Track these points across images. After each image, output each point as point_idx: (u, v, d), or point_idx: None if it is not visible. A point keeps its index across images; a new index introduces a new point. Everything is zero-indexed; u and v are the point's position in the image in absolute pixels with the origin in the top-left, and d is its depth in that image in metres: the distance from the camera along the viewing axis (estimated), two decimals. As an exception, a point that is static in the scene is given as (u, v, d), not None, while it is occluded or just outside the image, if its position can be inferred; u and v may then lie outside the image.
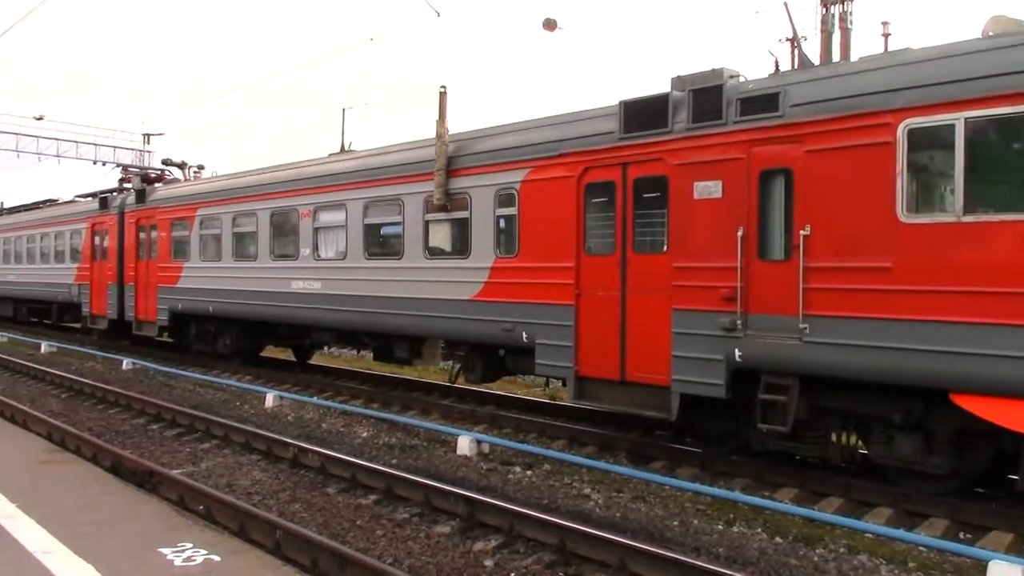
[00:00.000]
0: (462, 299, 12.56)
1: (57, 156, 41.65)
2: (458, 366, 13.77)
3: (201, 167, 24.37)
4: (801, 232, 8.58)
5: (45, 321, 30.22)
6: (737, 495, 8.66)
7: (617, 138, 10.49)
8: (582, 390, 10.76)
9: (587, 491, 9.08)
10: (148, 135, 43.30)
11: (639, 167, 10.24)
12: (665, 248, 9.96)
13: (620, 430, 11.95)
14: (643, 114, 10.21)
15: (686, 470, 10.12)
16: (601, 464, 9.96)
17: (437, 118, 13.03)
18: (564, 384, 11.49)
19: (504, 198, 12.03)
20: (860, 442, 9.23)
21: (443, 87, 13.11)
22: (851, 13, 15.27)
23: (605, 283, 10.52)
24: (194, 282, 19.32)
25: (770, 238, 9.01)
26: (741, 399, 9.43)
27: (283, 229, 16.79)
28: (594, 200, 10.85)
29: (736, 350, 9.13)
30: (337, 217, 15.18)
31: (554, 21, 17.29)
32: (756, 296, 9.02)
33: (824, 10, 15.75)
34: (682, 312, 9.63)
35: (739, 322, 9.08)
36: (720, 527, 7.89)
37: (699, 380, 9.44)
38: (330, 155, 16.93)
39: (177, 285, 19.93)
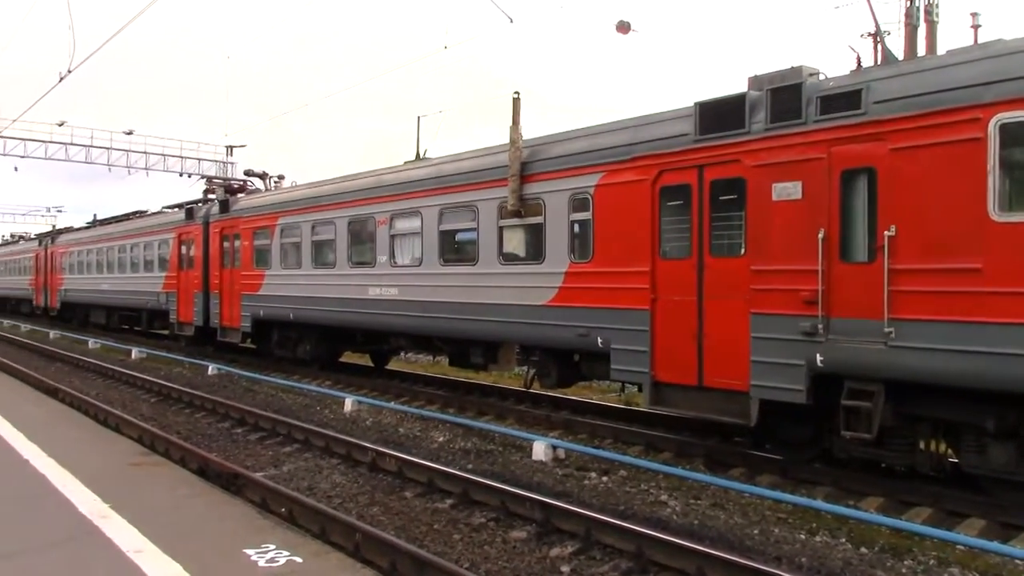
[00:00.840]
0: (537, 304, 12.59)
1: (146, 169, 43.39)
2: (533, 371, 13.81)
3: (281, 177, 24.98)
4: (886, 233, 8.36)
5: (136, 328, 31.37)
6: (820, 504, 8.45)
7: (692, 140, 10.37)
8: (658, 395, 10.67)
9: (664, 498, 8.99)
10: (231, 147, 44.74)
11: (716, 169, 10.11)
12: (743, 251, 9.81)
13: (697, 436, 11.80)
14: (719, 115, 10.08)
15: (766, 477, 9.93)
16: (678, 470, 9.84)
17: (511, 124, 13.09)
18: (640, 389, 11.43)
19: (578, 203, 12.01)
20: (950, 450, 8.92)
21: (517, 93, 13.19)
22: (937, 5, 14.75)
23: (681, 287, 10.42)
24: (275, 289, 19.80)
25: (853, 240, 8.79)
26: (823, 405, 9.21)
27: (360, 237, 17.07)
28: (669, 203, 10.76)
29: (817, 355, 8.93)
30: (412, 224, 15.38)
31: (628, 24, 17.18)
32: (838, 299, 8.81)
33: (908, 3, 15.28)
34: (761, 316, 9.47)
35: (820, 326, 8.88)
36: (802, 536, 7.72)
37: (779, 385, 9.26)
38: (405, 163, 17.18)
39: (259, 292, 20.45)
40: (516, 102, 13.14)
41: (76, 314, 36.67)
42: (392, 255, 15.94)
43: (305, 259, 18.73)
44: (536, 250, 12.85)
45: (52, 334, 32.85)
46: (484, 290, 13.63)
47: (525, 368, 14.82)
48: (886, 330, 8.35)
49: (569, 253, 12.15)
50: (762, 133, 9.61)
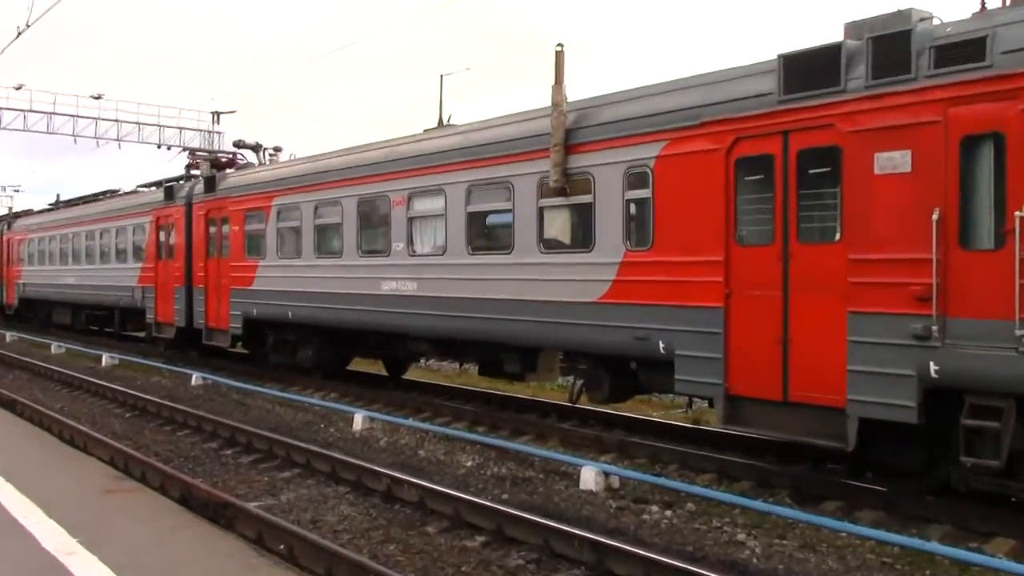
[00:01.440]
0: (585, 301, 12.60)
1: (118, 140, 44.05)
2: (580, 382, 13.81)
3: (278, 149, 25.17)
4: (1016, 214, 8.20)
5: (106, 330, 31.88)
6: (935, 546, 8.33)
7: (776, 101, 10.29)
8: (734, 412, 10.63)
9: (741, 537, 8.93)
10: (218, 113, 45.29)
11: (804, 136, 10.02)
12: (838, 236, 9.72)
13: (781, 462, 11.70)
14: (809, 70, 9.98)
15: (867, 514, 9.82)
16: (758, 504, 9.76)
17: (553, 83, 13.06)
18: (711, 405, 11.38)
19: (635, 178, 12.00)
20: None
21: (560, 46, 13.14)
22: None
23: (762, 280, 10.36)
24: (271, 283, 20.01)
25: (976, 221, 8.65)
26: (938, 425, 9.10)
27: (372, 220, 17.17)
28: (747, 178, 10.70)
29: (931, 363, 8.81)
30: (435, 205, 15.45)
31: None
32: (957, 295, 8.68)
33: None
34: (860, 316, 9.35)
35: (935, 328, 8.75)
36: (913, 586, 7.61)
37: (883, 401, 9.14)
38: (426, 131, 17.26)
39: (252, 287, 20.69)
40: (559, 56, 13.10)
41: (37, 313, 37.32)
42: (410, 242, 16.00)
43: (306, 247, 18.87)
44: (584, 236, 12.86)
45: (8, 336, 33.48)
46: (521, 284, 13.65)
47: (570, 379, 14.82)
48: (1018, 333, 8.19)
49: (624, 239, 12.14)
50: (861, 92, 9.49)
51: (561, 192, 12.97)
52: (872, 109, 9.37)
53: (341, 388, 19.05)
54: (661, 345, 11.48)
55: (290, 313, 19.31)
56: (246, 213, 21.08)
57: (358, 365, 21.91)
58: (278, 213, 19.84)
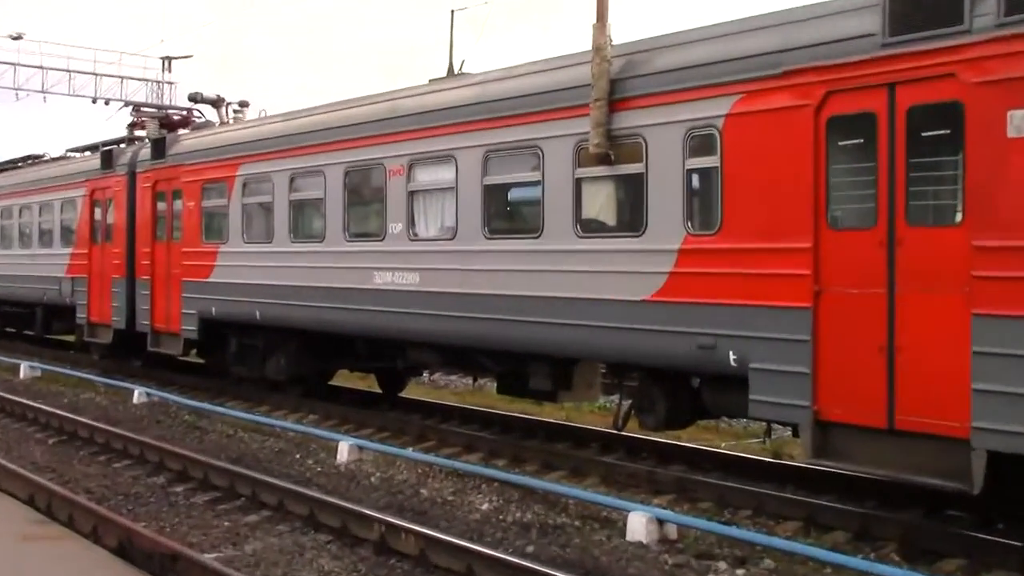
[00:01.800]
0: (634, 299, 12.58)
1: (42, 92, 44.23)
2: (628, 404, 13.77)
3: (244, 105, 25.25)
4: None
5: (26, 332, 32.07)
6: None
7: (879, 44, 10.24)
8: (825, 443, 10.59)
9: (834, 604, 8.87)
10: (169, 59, 45.46)
11: (916, 89, 9.95)
12: (959, 217, 9.67)
13: (886, 507, 11.64)
14: (923, 5, 9.91)
15: (999, 575, 9.72)
16: (857, 561, 9.69)
17: (595, 22, 13.02)
18: (795, 433, 11.35)
19: (698, 142, 11.97)
20: None
21: (602, -29, 13.09)
22: None
23: (861, 273, 10.33)
24: (234, 274, 20.08)
25: None
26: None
27: (363, 194, 17.19)
28: (842, 142, 10.65)
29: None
30: (443, 175, 15.47)
31: None
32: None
33: None
34: (989, 319, 9.29)
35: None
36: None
37: (1019, 430, 9.05)
38: (432, 82, 17.27)
39: (210, 279, 20.78)
40: (601, -13, 13.08)
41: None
42: (411, 223, 16.03)
43: (279, 229, 18.95)
44: (633, 216, 12.86)
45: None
46: (552, 277, 13.66)
47: (615, 399, 14.83)
48: None
49: (684, 220, 12.11)
50: (991, 31, 9.41)
51: (604, 160, 12.95)
52: (1005, 54, 9.27)
53: (322, 409, 19.09)
54: (731, 356, 11.46)
55: (258, 312, 19.38)
56: (204, 185, 21.17)
57: (344, 379, 21.90)
58: (244, 185, 19.92)
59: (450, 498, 12.63)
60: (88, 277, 25.73)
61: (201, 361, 23.66)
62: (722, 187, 11.64)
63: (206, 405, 19.25)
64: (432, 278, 15.54)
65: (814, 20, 11.02)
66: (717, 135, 11.69)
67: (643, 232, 12.57)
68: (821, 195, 10.69)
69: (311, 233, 18.24)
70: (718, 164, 11.69)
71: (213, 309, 20.65)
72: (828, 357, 10.57)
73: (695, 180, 12.14)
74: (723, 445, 15.99)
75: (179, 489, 13.32)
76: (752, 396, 11.21)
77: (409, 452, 15.03)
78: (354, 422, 18.10)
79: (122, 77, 45.15)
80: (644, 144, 12.54)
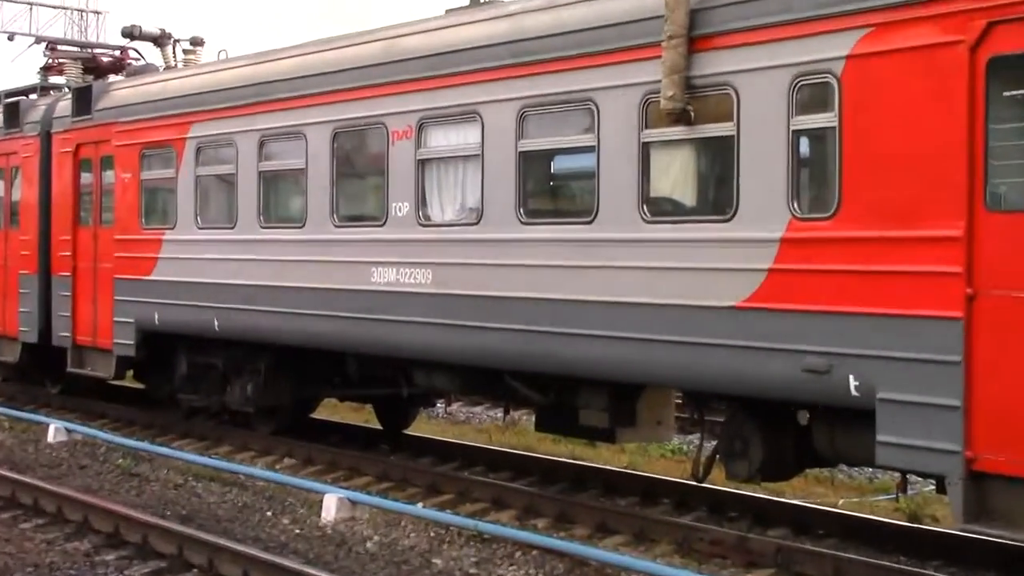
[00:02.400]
0: (720, 305, 12.48)
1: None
2: (711, 445, 13.79)
3: (197, 43, 25.16)
4: None
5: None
6: None
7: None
8: (983, 502, 10.45)
9: None
10: (98, -17, 45.42)
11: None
12: None
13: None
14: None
15: None
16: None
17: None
18: (940, 488, 11.30)
19: (809, 95, 11.89)
20: None
21: None
22: None
23: (1033, 273, 10.22)
24: (184, 271, 20.08)
25: None
26: None
27: (357, 164, 17.28)
28: (1008, 92, 10.51)
29: None
30: (464, 139, 15.49)
31: None
32: None
33: None
34: None
35: None
36: None
37: None
38: (449, 12, 17.26)
39: (152, 277, 20.79)
40: None
41: None
42: (421, 202, 16.02)
43: (245, 209, 18.95)
44: (719, 194, 12.89)
45: None
46: (610, 275, 13.61)
47: (694, 439, 14.77)
48: None
49: (789, 200, 11.98)
50: None
51: (681, 119, 12.82)
52: None
53: (303, 450, 19.11)
54: (852, 383, 11.33)
55: (217, 321, 19.36)
56: (144, 151, 21.22)
57: (331, 411, 21.97)
58: (198, 151, 19.95)
59: (472, 571, 12.57)
60: (-12, 273, 25.80)
61: (140, 386, 23.69)
62: (840, 154, 11.51)
63: (147, 445, 19.31)
64: (449, 276, 15.50)
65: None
66: (834, 84, 11.55)
67: (733, 216, 12.45)
68: (978, 164, 10.49)
69: (288, 216, 18.27)
70: (835, 123, 11.55)
71: (156, 317, 20.63)
72: (987, 385, 10.40)
73: (804, 145, 12.06)
74: (841, 503, 15.91)
75: (110, 558, 13.20)
76: (880, 437, 11.08)
77: (418, 508, 15.00)
78: (345, 468, 18.09)
79: (31, 3, 45.14)
80: (735, 97, 12.39)
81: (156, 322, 20.61)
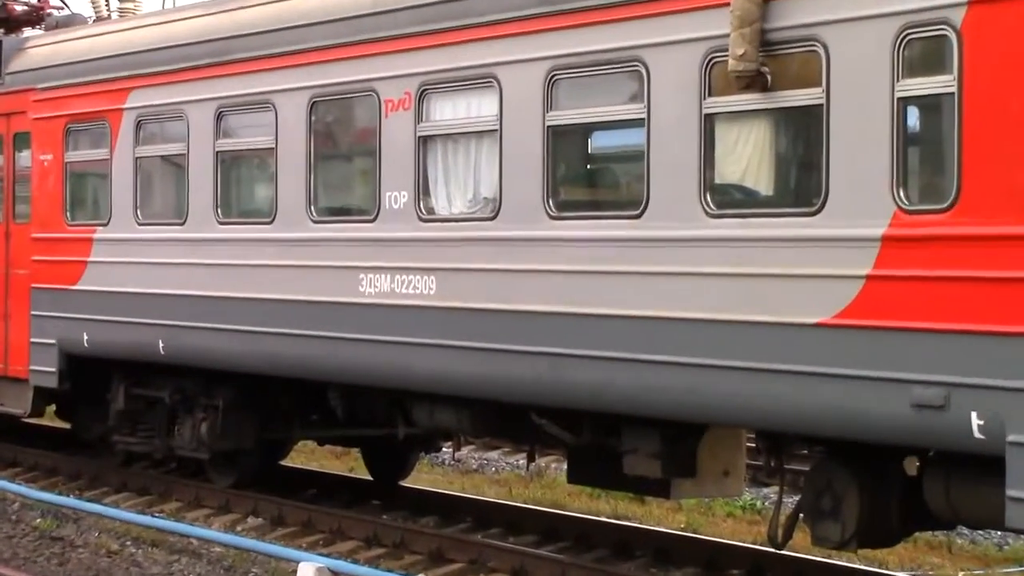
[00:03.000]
0: (803, 322, 12.46)
1: None
2: (793, 502, 13.78)
3: (139, -11, 25.21)
4: None
5: None
6: None
7: None
8: None
9: None
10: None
11: None
12: None
13: None
14: None
15: None
16: None
17: None
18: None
19: (919, 52, 11.86)
20: None
21: None
22: None
23: None
24: (121, 278, 20.16)
25: None
26: None
27: (341, 143, 17.40)
28: None
29: None
30: (476, 109, 15.59)
31: None
32: None
33: None
34: None
35: None
36: None
37: None
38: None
39: (80, 286, 20.88)
40: None
41: None
42: (421, 191, 16.10)
43: (198, 200, 19.03)
44: (803, 180, 12.96)
45: None
46: (661, 283, 13.64)
47: (771, 492, 14.68)
48: None
49: (893, 187, 11.93)
50: None
51: (754, 83, 12.80)
52: None
53: (271, 507, 19.16)
54: (975, 421, 11.27)
55: (162, 343, 19.43)
56: (69, 126, 21.31)
57: (308, 457, 21.91)
58: (138, 126, 20.02)
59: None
60: None
61: (64, 426, 23.69)
62: (960, 128, 11.43)
63: (72, 500, 19.28)
64: (458, 285, 15.58)
65: None
66: (952, 38, 11.49)
67: (820, 208, 12.39)
68: None
69: (252, 209, 18.39)
70: (954, 88, 11.47)
71: (85, 337, 20.71)
72: None
73: (913, 117, 12.00)
74: (960, 575, 15.81)
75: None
76: (1011, 492, 11.01)
77: (417, 583, 15.01)
78: (324, 530, 18.13)
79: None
80: (824, 55, 12.34)
81: (85, 344, 20.67)
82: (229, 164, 18.70)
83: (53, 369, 21.25)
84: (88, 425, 22.35)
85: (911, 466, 12.74)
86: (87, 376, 21.20)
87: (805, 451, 13.73)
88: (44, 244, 21.58)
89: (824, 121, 12.37)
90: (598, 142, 14.95)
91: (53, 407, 22.74)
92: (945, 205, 11.59)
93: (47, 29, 24.23)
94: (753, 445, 15.86)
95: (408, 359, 16.10)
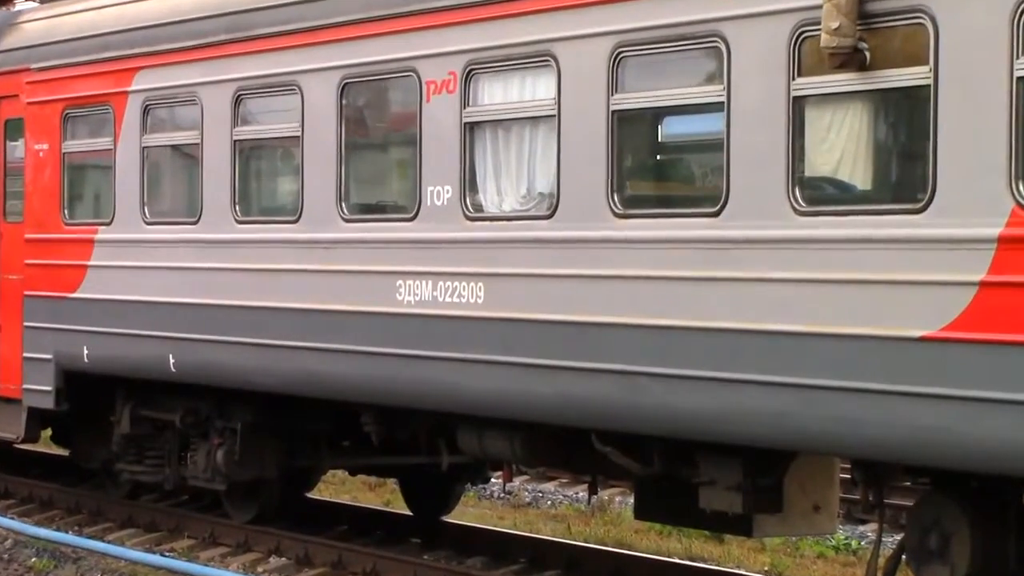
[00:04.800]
0: (906, 336, 12.36)
1: None
2: (896, 540, 13.74)
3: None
4: None
5: None
6: None
7: None
8: None
9: None
10: None
11: None
12: None
13: None
14: None
15: None
16: None
17: None
18: None
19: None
20: None
21: None
22: None
23: None
24: (126, 285, 20.24)
25: None
26: None
27: (375, 130, 17.46)
28: None
29: None
30: (531, 91, 15.60)
31: None
32: None
33: None
34: None
35: None
36: None
37: None
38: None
39: (79, 293, 20.95)
40: None
41: None
42: (469, 186, 16.11)
43: (213, 196, 19.08)
44: (906, 172, 12.94)
45: None
46: (743, 290, 13.61)
47: (869, 530, 14.57)
48: None
49: (1013, 179, 11.79)
50: None
51: (850, 61, 12.72)
52: None
53: (296, 546, 19.19)
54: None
55: (173, 359, 19.45)
56: (67, 112, 21.39)
57: (338, 489, 21.93)
58: (145, 112, 20.07)
59: None
60: None
61: (63, 453, 23.75)
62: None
63: (71, 537, 19.35)
64: (509, 293, 15.57)
65: None
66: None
67: (926, 204, 12.27)
68: None
69: (275, 206, 18.47)
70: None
71: (85, 352, 20.76)
72: None
73: None
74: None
75: None
76: None
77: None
78: (357, 571, 18.15)
79: None
80: (932, 29, 12.19)
81: (85, 359, 20.72)
82: (248, 155, 18.73)
83: (49, 388, 21.29)
84: (89, 452, 22.41)
85: (1030, 498, 12.67)
86: (88, 396, 21.28)
87: (908, 483, 13.61)
88: (39, 246, 21.64)
89: (931, 105, 12.23)
90: (670, 129, 14.86)
91: (49, 431, 22.73)
92: (1075, 200, 11.54)
93: (43, 2, 24.33)
94: (848, 476, 15.80)
95: (452, 377, 16.09)
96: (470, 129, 16.01)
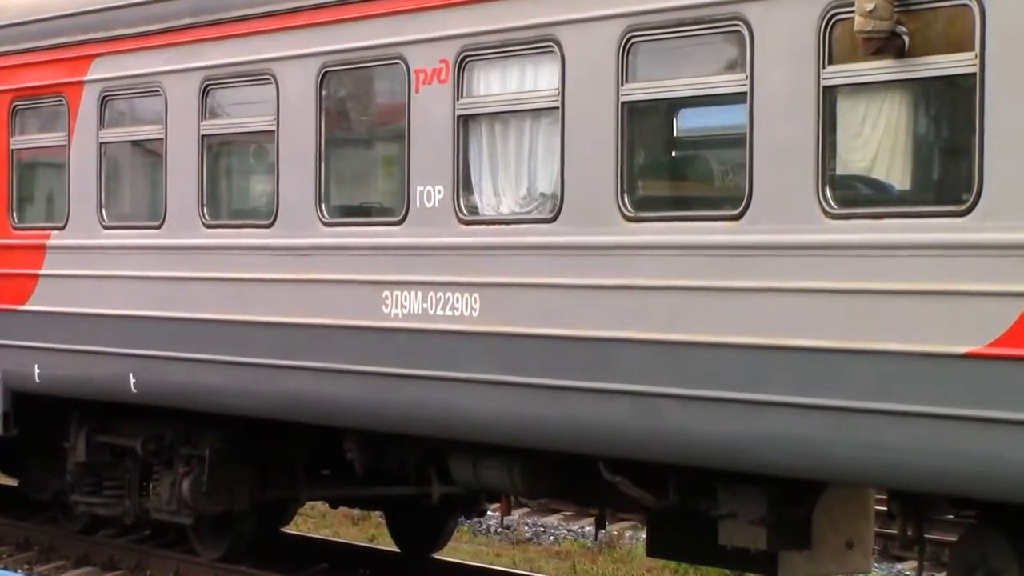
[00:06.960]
0: (946, 352, 12.36)
1: None
2: None
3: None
4: None
5: None
6: None
7: None
8: None
9: None
10: None
11: None
12: None
13: None
14: None
15: None
16: None
17: None
18: None
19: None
20: None
21: None
22: None
23: None
24: (81, 296, 20.28)
25: None
26: None
27: (358, 124, 17.53)
28: None
29: None
30: (532, 81, 15.62)
31: None
32: None
33: None
34: None
35: None
36: None
37: None
38: None
39: (28, 306, 21.03)
40: None
41: None
42: (462, 186, 16.13)
43: (178, 197, 19.11)
44: (948, 170, 12.95)
45: None
46: (765, 301, 13.61)
47: (909, 569, 14.61)
48: None
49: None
50: None
51: (886, 47, 12.71)
52: None
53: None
54: None
55: (134, 378, 19.50)
56: (15, 104, 21.49)
57: (317, 523, 21.96)
58: (103, 104, 20.12)
59: None
60: None
61: (11, 483, 23.80)
62: None
63: (21, 576, 19.36)
64: (508, 304, 15.59)
65: None
66: None
67: (971, 206, 12.25)
68: None
69: (247, 208, 18.57)
70: None
71: (36, 370, 20.81)
72: None
73: None
74: None
75: None
76: None
77: None
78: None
79: None
80: (978, 12, 12.18)
81: (36, 379, 20.76)
82: (217, 151, 18.79)
83: (-6, 412, 21.36)
84: (40, 481, 22.46)
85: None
86: (39, 420, 21.32)
87: (951, 516, 13.60)
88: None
89: (977, 95, 12.20)
90: (686, 123, 14.88)
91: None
92: None
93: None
94: (884, 509, 15.80)
95: (445, 399, 16.09)
96: (464, 123, 16.03)
